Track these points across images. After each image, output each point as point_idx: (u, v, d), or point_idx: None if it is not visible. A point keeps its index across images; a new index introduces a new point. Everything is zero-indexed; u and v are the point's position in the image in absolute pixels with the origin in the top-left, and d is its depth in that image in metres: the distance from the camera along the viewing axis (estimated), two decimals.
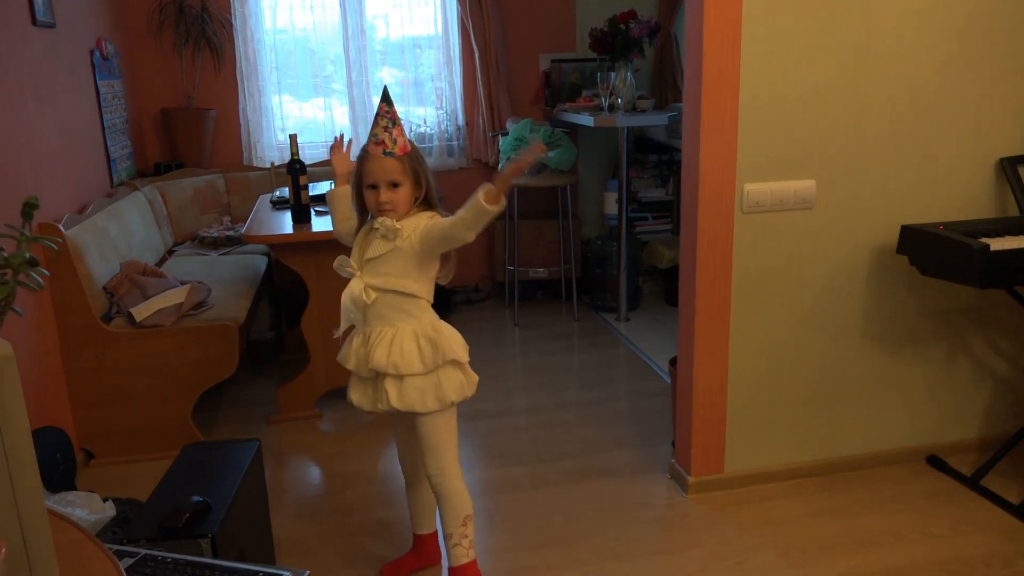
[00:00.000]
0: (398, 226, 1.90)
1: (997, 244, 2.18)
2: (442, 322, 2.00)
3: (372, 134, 1.89)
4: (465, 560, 2.05)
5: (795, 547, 2.30)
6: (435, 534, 2.27)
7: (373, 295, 1.93)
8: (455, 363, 1.97)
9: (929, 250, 2.32)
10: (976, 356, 2.71)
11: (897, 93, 2.41)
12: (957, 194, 2.53)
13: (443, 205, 2.00)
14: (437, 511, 2.11)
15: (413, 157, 1.92)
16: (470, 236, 1.84)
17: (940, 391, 2.72)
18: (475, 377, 2.03)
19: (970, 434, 2.78)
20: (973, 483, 2.58)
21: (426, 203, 1.96)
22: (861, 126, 2.41)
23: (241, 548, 1.89)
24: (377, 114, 1.89)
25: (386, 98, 1.90)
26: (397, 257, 1.92)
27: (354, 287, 1.95)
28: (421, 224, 1.91)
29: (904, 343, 2.63)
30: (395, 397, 1.94)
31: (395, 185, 1.89)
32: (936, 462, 2.71)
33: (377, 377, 1.98)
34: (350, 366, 2.02)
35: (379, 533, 2.44)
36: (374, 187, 1.90)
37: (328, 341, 3.19)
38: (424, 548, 2.26)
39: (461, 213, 1.83)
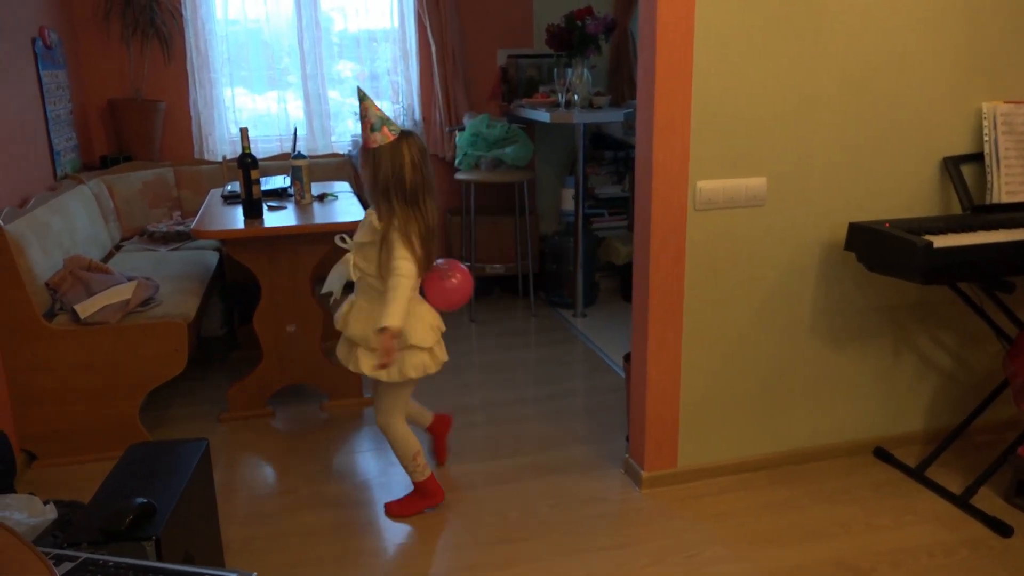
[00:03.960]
0: (378, 225, 2.22)
1: (940, 241, 2.23)
2: (417, 304, 2.31)
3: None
4: (422, 478, 2.49)
5: (745, 540, 2.33)
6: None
7: (358, 273, 2.30)
8: (417, 347, 2.30)
9: (875, 247, 2.37)
10: (921, 350, 2.78)
11: (846, 92, 2.45)
12: (903, 192, 2.58)
13: (417, 199, 2.23)
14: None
15: (375, 152, 2.20)
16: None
17: (886, 385, 2.78)
18: (443, 356, 2.41)
19: (915, 427, 2.85)
20: (918, 474, 2.64)
21: (386, 198, 2.22)
22: (811, 124, 2.45)
23: (187, 551, 1.85)
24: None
25: (359, 95, 2.22)
26: (373, 249, 2.25)
27: (348, 259, 2.31)
28: (390, 238, 2.21)
29: (852, 338, 2.69)
30: (365, 365, 2.30)
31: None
32: (882, 454, 2.77)
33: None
34: (338, 327, 2.38)
35: (332, 533, 2.41)
36: None
37: (281, 338, 3.14)
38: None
39: (387, 295, 2.21)
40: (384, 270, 2.23)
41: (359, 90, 2.21)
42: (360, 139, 2.20)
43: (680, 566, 2.22)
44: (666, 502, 2.54)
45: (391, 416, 2.43)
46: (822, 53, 2.40)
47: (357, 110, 2.19)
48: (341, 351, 2.42)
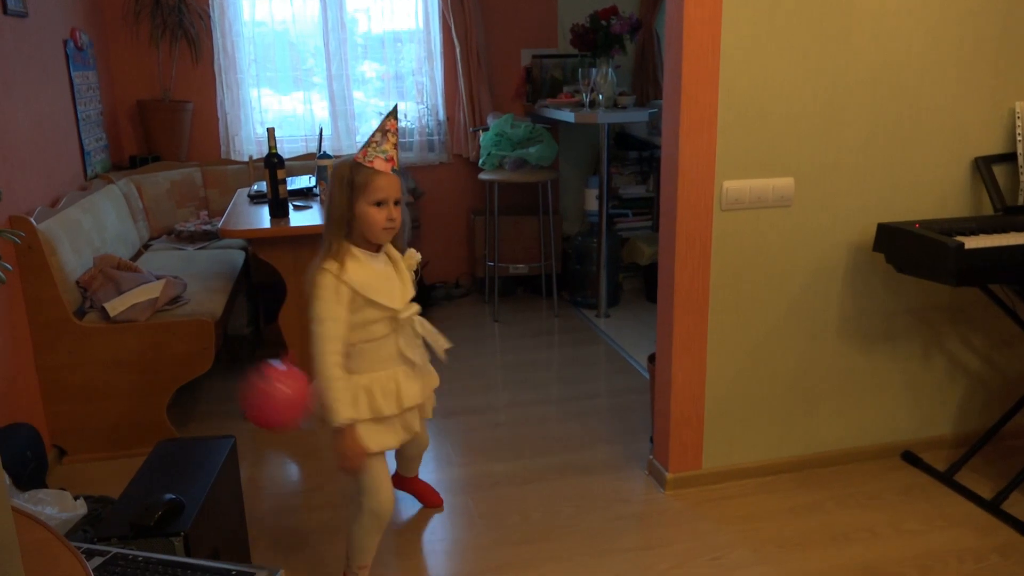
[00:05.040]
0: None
1: (972, 242, 2.19)
2: None
3: (382, 150, 1.86)
4: None
5: (771, 543, 2.31)
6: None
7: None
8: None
9: (905, 248, 2.34)
10: (950, 353, 2.74)
11: (875, 91, 2.42)
12: (933, 192, 2.55)
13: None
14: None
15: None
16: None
17: (915, 388, 2.74)
18: None
19: (944, 430, 2.81)
20: (947, 479, 2.60)
21: None
22: (839, 124, 2.42)
23: (215, 546, 1.87)
24: (387, 130, 1.87)
25: (395, 114, 1.89)
26: None
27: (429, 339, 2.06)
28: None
29: (880, 340, 2.66)
30: (421, 414, 2.13)
31: (397, 203, 1.90)
32: (911, 458, 2.74)
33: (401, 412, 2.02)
34: (389, 409, 2.00)
35: None
36: (381, 204, 1.87)
37: (306, 337, 3.16)
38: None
39: (329, 366, 2.01)
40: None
41: (396, 108, 1.96)
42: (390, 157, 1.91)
43: (705, 568, 2.21)
44: (690, 504, 2.52)
45: None
46: (851, 52, 2.37)
47: (377, 128, 1.91)
48: (391, 437, 2.03)
